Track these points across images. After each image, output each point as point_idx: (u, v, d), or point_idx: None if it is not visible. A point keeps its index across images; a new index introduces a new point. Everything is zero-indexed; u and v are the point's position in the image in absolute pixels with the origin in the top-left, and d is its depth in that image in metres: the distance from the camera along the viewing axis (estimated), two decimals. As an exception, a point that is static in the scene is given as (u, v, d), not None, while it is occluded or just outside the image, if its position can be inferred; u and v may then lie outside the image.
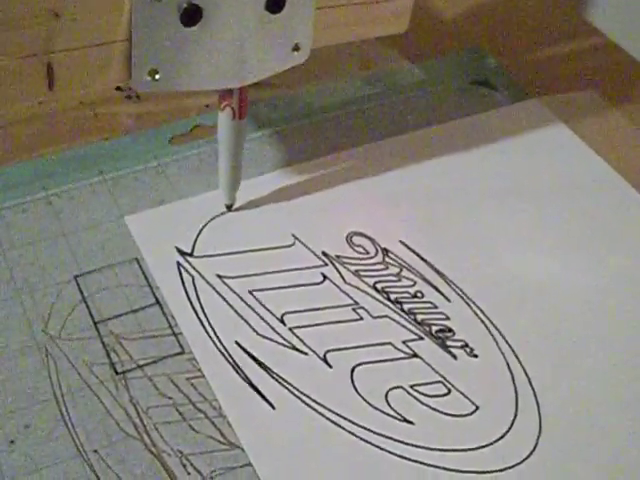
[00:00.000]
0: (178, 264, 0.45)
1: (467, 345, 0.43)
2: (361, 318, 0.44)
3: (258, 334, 0.43)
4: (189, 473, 0.38)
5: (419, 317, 0.44)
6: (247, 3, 0.39)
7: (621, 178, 0.52)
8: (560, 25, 0.66)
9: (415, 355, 0.42)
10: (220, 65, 0.41)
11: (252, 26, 0.40)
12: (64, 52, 0.37)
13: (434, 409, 0.41)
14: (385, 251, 0.47)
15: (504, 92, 0.59)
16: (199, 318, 0.43)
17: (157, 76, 0.39)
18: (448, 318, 0.44)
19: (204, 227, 0.47)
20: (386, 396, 0.41)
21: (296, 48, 0.43)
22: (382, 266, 0.46)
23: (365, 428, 0.40)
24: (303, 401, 0.40)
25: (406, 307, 0.44)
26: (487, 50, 0.62)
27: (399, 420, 0.40)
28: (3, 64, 0.36)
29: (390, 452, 0.39)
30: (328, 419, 0.40)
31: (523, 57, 0.62)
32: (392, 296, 0.45)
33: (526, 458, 0.39)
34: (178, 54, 0.39)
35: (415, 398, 0.41)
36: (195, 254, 0.46)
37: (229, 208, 0.48)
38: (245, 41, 0.40)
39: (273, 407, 0.40)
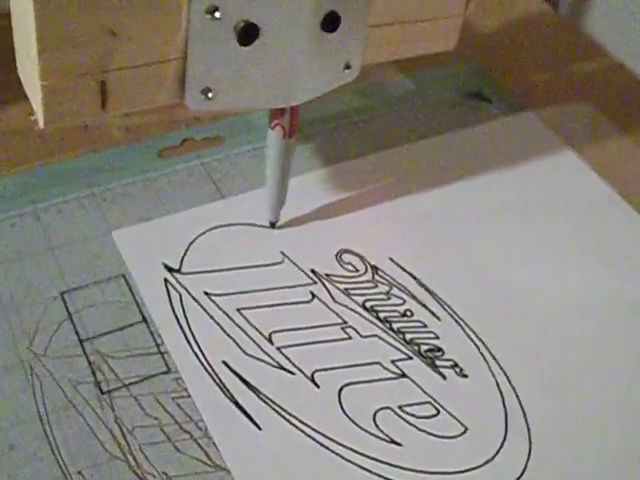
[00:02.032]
0: (165, 281, 0.45)
1: (457, 365, 0.43)
2: (350, 337, 0.43)
3: (245, 353, 0.42)
4: (173, 496, 0.37)
5: (408, 336, 0.44)
6: (304, 22, 0.38)
7: (614, 192, 0.52)
8: (555, 37, 0.66)
9: (404, 375, 0.42)
10: (273, 84, 0.40)
11: (306, 45, 0.39)
12: (119, 71, 0.36)
13: (422, 430, 0.40)
14: (374, 269, 0.46)
15: (498, 105, 0.58)
16: (186, 336, 0.43)
17: (210, 94, 0.39)
18: (437, 337, 0.44)
19: (192, 243, 0.47)
20: (374, 417, 0.40)
21: (347, 66, 0.42)
22: (371, 284, 0.46)
23: (352, 450, 0.39)
24: (290, 422, 0.40)
25: (395, 326, 0.44)
26: (481, 62, 0.62)
27: (387, 441, 0.40)
28: (57, 83, 0.35)
29: (377, 474, 0.38)
30: (315, 440, 0.39)
31: (517, 69, 0.62)
32: (381, 315, 0.44)
33: (515, 481, 0.39)
34: (232, 73, 0.39)
35: (403, 419, 0.40)
36: (183, 270, 0.45)
37: (273, 225, 0.48)
38: (299, 60, 0.40)
39: (259, 428, 0.40)
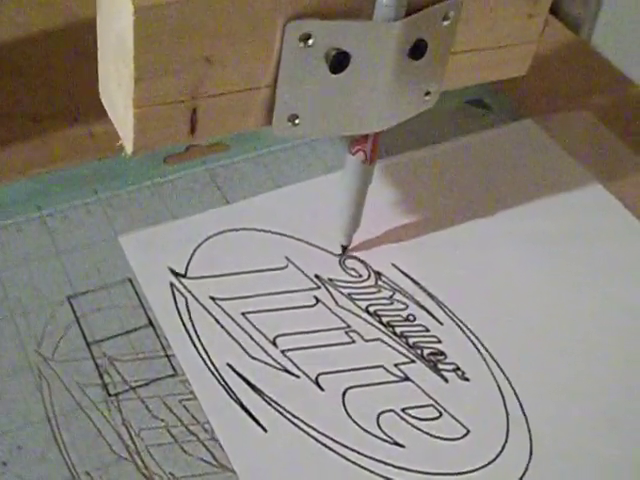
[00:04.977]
0: (171, 285, 0.45)
1: (459, 368, 0.43)
2: (353, 341, 0.44)
3: (250, 356, 0.43)
4: (180, 496, 0.38)
5: (411, 340, 0.44)
6: (393, 50, 0.39)
7: (612, 197, 0.53)
8: (555, 45, 0.67)
9: (407, 378, 0.43)
10: (359, 111, 0.40)
11: (393, 72, 0.39)
12: (210, 97, 0.37)
13: (425, 432, 0.41)
14: (377, 274, 0.47)
15: (499, 112, 0.59)
16: (192, 340, 0.43)
17: (297, 121, 0.39)
18: (440, 341, 0.44)
19: (198, 248, 0.47)
20: (377, 419, 0.41)
21: (427, 93, 0.42)
22: (374, 289, 0.46)
23: (356, 451, 0.40)
24: (295, 424, 0.40)
25: (398, 330, 0.45)
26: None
27: (390, 443, 0.40)
28: (150, 111, 0.35)
29: (381, 475, 0.39)
30: (320, 442, 0.40)
31: (518, 78, 0.62)
32: (384, 319, 0.45)
33: (516, 483, 0.39)
34: (320, 100, 0.39)
35: (406, 421, 0.41)
36: (189, 275, 0.46)
37: (344, 250, 0.48)
38: (385, 87, 0.40)
39: (265, 430, 0.40)
